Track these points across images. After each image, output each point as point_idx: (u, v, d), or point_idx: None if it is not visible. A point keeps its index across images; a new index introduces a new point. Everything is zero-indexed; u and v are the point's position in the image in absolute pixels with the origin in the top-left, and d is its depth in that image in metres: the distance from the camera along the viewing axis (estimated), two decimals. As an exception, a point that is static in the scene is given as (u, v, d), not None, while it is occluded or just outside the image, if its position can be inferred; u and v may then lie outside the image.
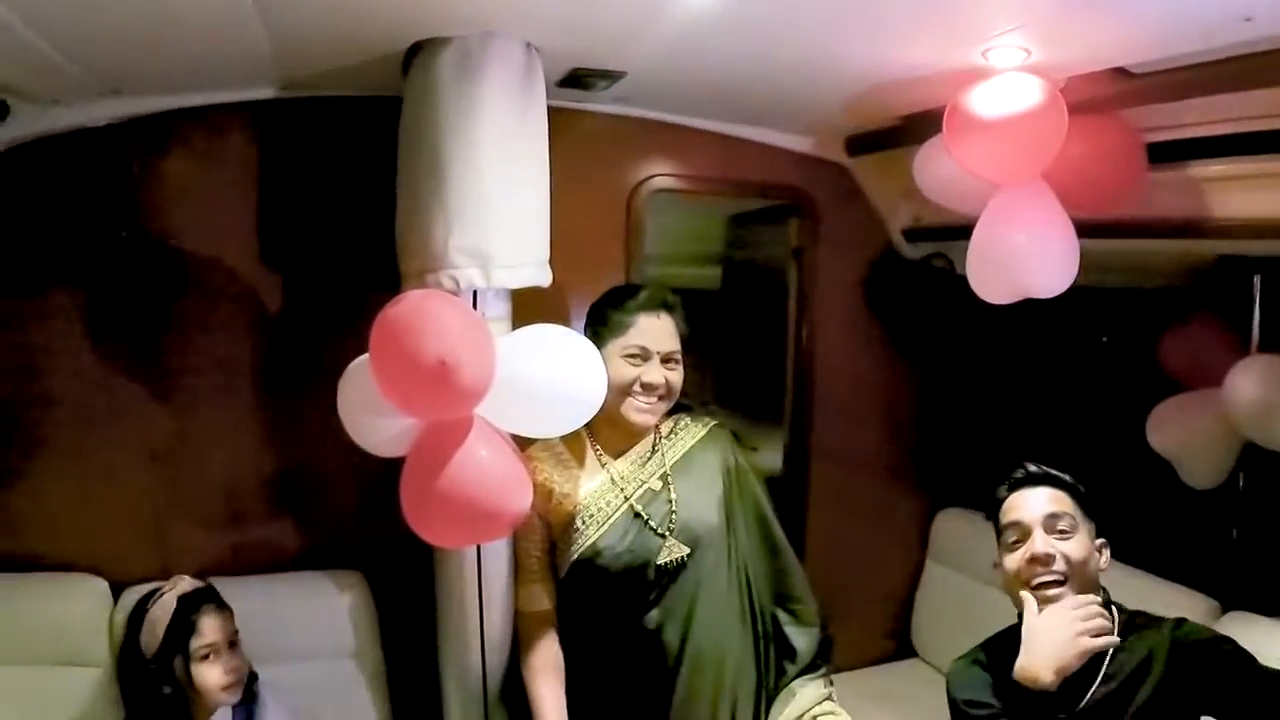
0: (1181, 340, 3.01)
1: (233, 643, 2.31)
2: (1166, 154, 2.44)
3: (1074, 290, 2.48)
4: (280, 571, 2.73)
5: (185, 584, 2.34)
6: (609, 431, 2.37)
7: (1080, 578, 1.99)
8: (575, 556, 2.30)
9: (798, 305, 3.48)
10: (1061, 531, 2.01)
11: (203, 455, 2.71)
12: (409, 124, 2.33)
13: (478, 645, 2.41)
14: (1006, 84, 2.21)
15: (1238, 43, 1.91)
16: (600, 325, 2.37)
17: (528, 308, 2.39)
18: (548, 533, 2.37)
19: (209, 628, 2.26)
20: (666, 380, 2.32)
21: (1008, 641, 2.02)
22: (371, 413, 2.09)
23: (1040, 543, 2.00)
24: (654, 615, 2.28)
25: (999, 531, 2.12)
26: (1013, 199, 2.42)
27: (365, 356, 2.02)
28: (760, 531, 2.47)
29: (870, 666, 3.64)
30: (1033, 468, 2.13)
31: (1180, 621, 2.01)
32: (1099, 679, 1.92)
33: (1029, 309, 2.60)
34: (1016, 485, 2.12)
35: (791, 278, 3.49)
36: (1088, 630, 1.86)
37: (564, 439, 2.38)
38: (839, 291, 3.51)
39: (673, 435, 2.47)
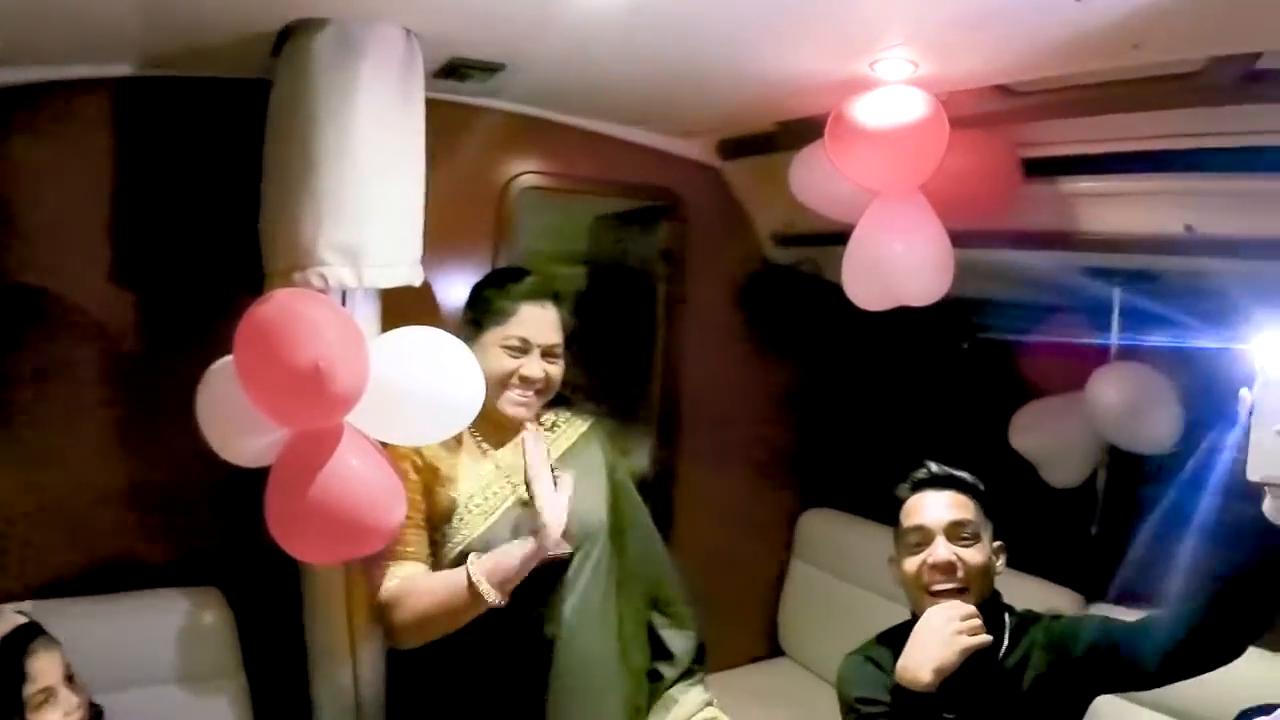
0: (1044, 347, 3.13)
1: (69, 677, 2.02)
2: (1041, 169, 2.51)
3: (940, 298, 2.53)
4: (132, 590, 2.52)
5: (5, 622, 2.03)
6: (484, 422, 2.20)
7: (980, 584, 2.01)
8: (459, 549, 2.12)
9: (666, 307, 3.46)
10: (964, 539, 2.02)
11: (48, 467, 2.48)
12: (278, 110, 2.20)
13: (350, 663, 2.30)
14: (891, 95, 2.23)
15: (1122, 67, 1.98)
16: (480, 311, 2.23)
17: (395, 308, 2.28)
18: (429, 514, 2.17)
19: (41, 670, 1.96)
20: (546, 374, 2.20)
21: (900, 638, 2.02)
22: (234, 420, 1.96)
23: (943, 550, 2.00)
24: (535, 614, 2.16)
25: (899, 531, 2.12)
26: (890, 208, 2.44)
27: (226, 360, 1.90)
28: (637, 532, 2.42)
29: (740, 666, 3.65)
30: (936, 468, 2.13)
31: (1054, 617, 2.08)
32: (987, 676, 1.95)
33: (895, 316, 2.64)
34: (920, 486, 2.12)
35: (660, 280, 3.47)
36: (964, 630, 1.87)
37: None
38: (708, 294, 3.50)
39: (555, 429, 2.37)
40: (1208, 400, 2.76)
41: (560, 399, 2.36)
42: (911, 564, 2.04)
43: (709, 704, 2.36)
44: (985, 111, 2.34)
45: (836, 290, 2.61)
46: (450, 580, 2.02)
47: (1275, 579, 1.63)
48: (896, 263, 2.45)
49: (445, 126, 2.59)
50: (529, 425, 2.26)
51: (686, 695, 2.35)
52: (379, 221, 2.13)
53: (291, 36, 2.13)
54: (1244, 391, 1.50)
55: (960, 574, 1.98)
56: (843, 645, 3.39)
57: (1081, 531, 3.12)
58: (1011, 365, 3.22)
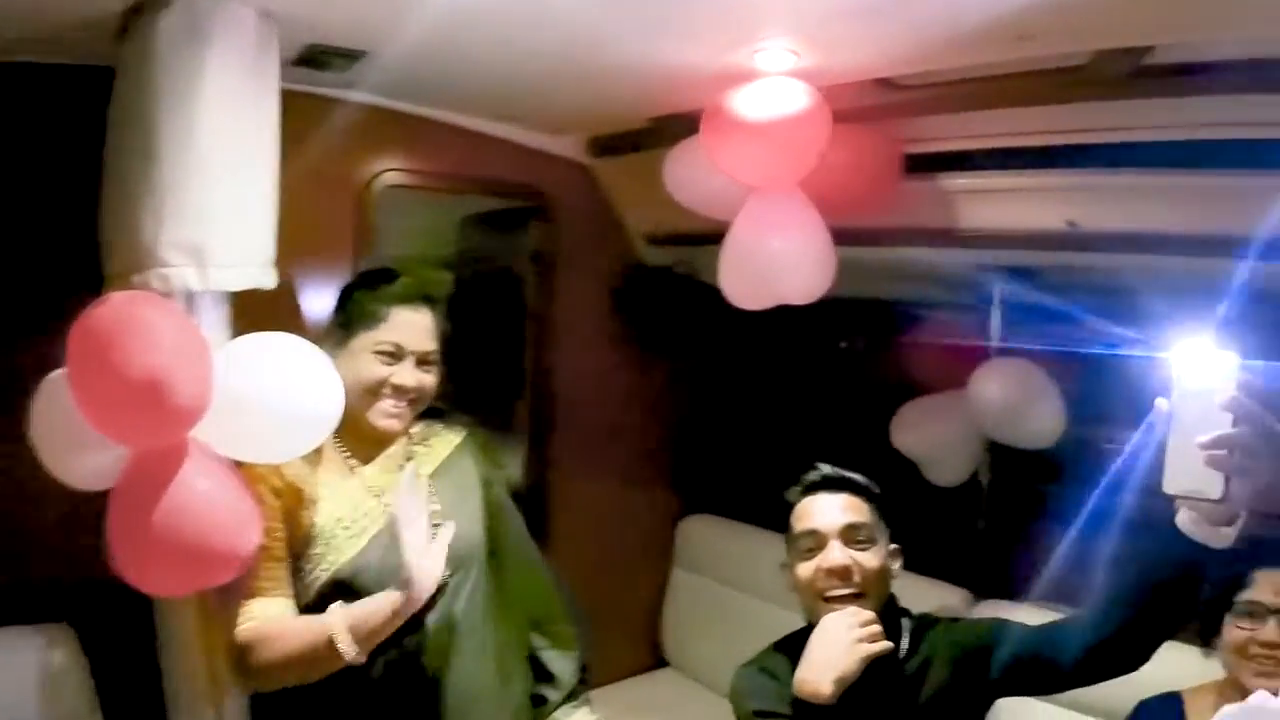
0: (923, 345, 3.12)
1: None
2: (922, 165, 2.48)
3: (817, 301, 2.48)
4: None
5: None
6: (351, 435, 2.04)
7: (877, 589, 1.92)
8: (327, 576, 1.93)
9: (536, 311, 3.34)
10: (859, 542, 1.93)
11: None
12: (121, 98, 2.00)
13: (212, 708, 2.12)
14: (771, 87, 2.15)
15: (1006, 61, 1.95)
16: (349, 314, 2.05)
17: (246, 314, 2.07)
18: (290, 541, 1.97)
19: None
20: (420, 383, 2.03)
21: (795, 646, 1.93)
22: (70, 438, 1.76)
23: (838, 554, 1.90)
24: (411, 644, 1.98)
25: (792, 536, 2.02)
26: (768, 204, 2.37)
27: (61, 371, 1.70)
28: (515, 550, 2.26)
29: (624, 680, 3.57)
30: (828, 470, 2.03)
31: (953, 620, 2.03)
32: (887, 683, 1.87)
33: (772, 316, 2.58)
34: (811, 489, 2.02)
35: (529, 283, 3.35)
36: (864, 636, 1.79)
37: None
38: (580, 297, 3.39)
39: (426, 442, 2.19)
40: (1089, 395, 2.79)
41: (432, 410, 2.18)
42: (805, 569, 1.94)
43: None
44: (867, 105, 2.31)
45: (713, 291, 2.55)
46: (310, 629, 1.85)
47: (1190, 587, 1.60)
48: (776, 260, 2.38)
49: (302, 119, 2.40)
50: (401, 443, 2.11)
51: (572, 718, 2.22)
52: (226, 219, 1.95)
53: (135, 18, 1.94)
54: (1161, 402, 1.46)
55: (856, 578, 1.89)
56: (729, 653, 3.34)
57: (967, 529, 3.10)
58: (891, 364, 3.19)
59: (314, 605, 1.92)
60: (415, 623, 1.94)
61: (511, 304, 3.40)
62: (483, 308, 3.53)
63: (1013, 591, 2.76)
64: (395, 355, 2.00)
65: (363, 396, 1.96)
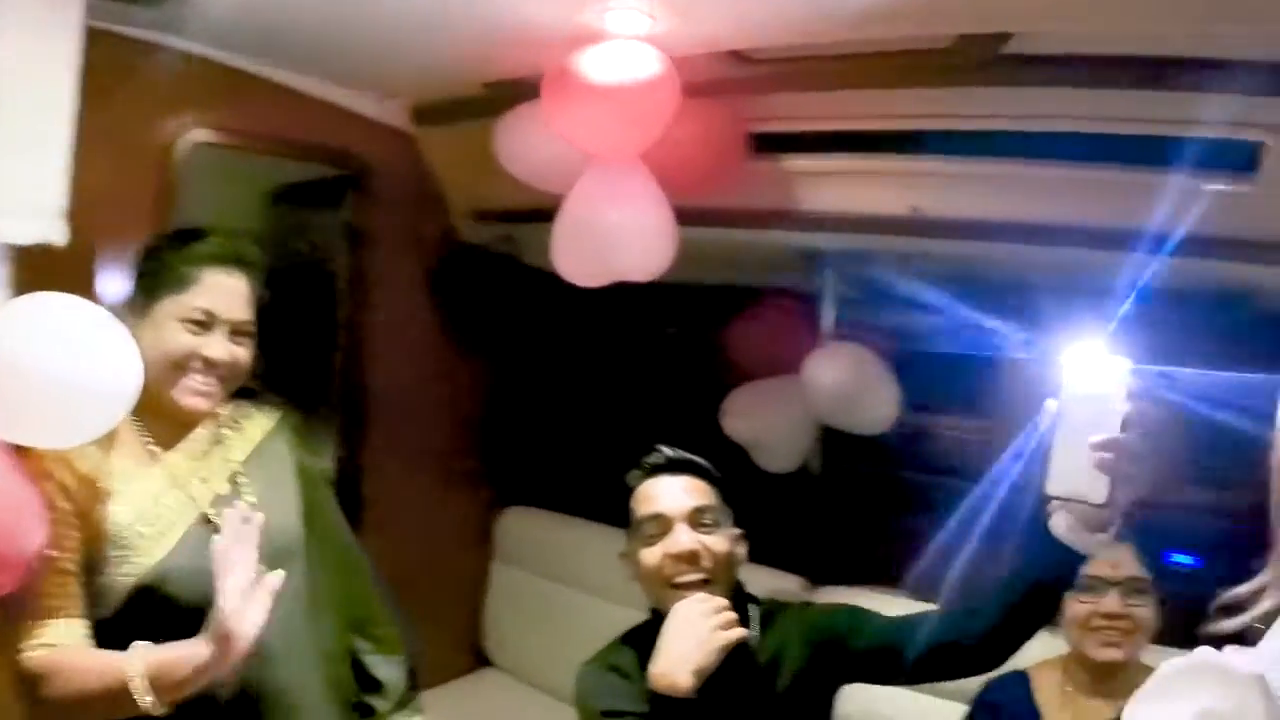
0: (755, 331, 3.06)
1: None
2: (767, 145, 2.43)
3: (643, 284, 2.40)
4: None
5: None
6: (152, 416, 1.77)
7: (724, 574, 1.84)
8: (130, 582, 1.67)
9: (350, 290, 3.10)
10: (706, 525, 1.84)
11: None
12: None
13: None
14: (620, 50, 2.04)
15: (866, 40, 1.92)
16: (154, 276, 1.78)
17: (33, 277, 1.80)
18: (86, 546, 1.69)
19: None
20: (233, 357, 1.78)
21: (643, 639, 1.85)
22: None
23: (685, 538, 1.81)
24: None
25: (635, 521, 1.92)
26: (608, 175, 2.27)
27: None
28: (335, 543, 2.04)
29: (445, 684, 3.37)
30: (670, 452, 1.94)
31: (805, 605, 1.99)
32: (740, 672, 1.79)
33: (597, 302, 2.52)
34: (654, 471, 1.93)
35: (343, 259, 3.11)
36: (719, 624, 1.70)
37: None
38: (397, 277, 3.19)
39: (237, 424, 1.94)
40: (924, 382, 2.79)
41: (243, 390, 1.92)
42: (650, 556, 1.84)
43: None
44: (716, 79, 2.23)
45: (537, 274, 2.40)
46: (107, 669, 1.58)
47: (1057, 592, 1.60)
48: (613, 233, 2.27)
49: (105, 62, 2.09)
50: (209, 425, 1.86)
51: None
52: (9, 163, 1.71)
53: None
54: (1050, 403, 1.45)
55: (705, 563, 1.81)
56: (554, 651, 3.26)
57: (801, 515, 3.06)
58: (722, 351, 3.12)
59: (117, 617, 1.67)
60: None
61: (324, 283, 3.15)
62: (294, 286, 3.28)
63: (849, 577, 2.75)
64: (205, 324, 1.74)
65: (167, 371, 1.71)
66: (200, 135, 2.56)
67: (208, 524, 1.74)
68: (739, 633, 1.70)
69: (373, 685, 2.03)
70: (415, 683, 2.10)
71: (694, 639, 1.67)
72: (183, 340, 1.72)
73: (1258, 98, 1.88)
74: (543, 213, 2.39)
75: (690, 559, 1.79)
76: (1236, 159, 2.09)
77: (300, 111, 2.80)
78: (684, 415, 3.10)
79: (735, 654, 1.73)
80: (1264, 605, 0.97)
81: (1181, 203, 2.18)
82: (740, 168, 2.40)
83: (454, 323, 3.34)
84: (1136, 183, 2.16)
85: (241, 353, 1.80)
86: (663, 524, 1.84)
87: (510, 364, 3.56)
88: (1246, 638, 0.97)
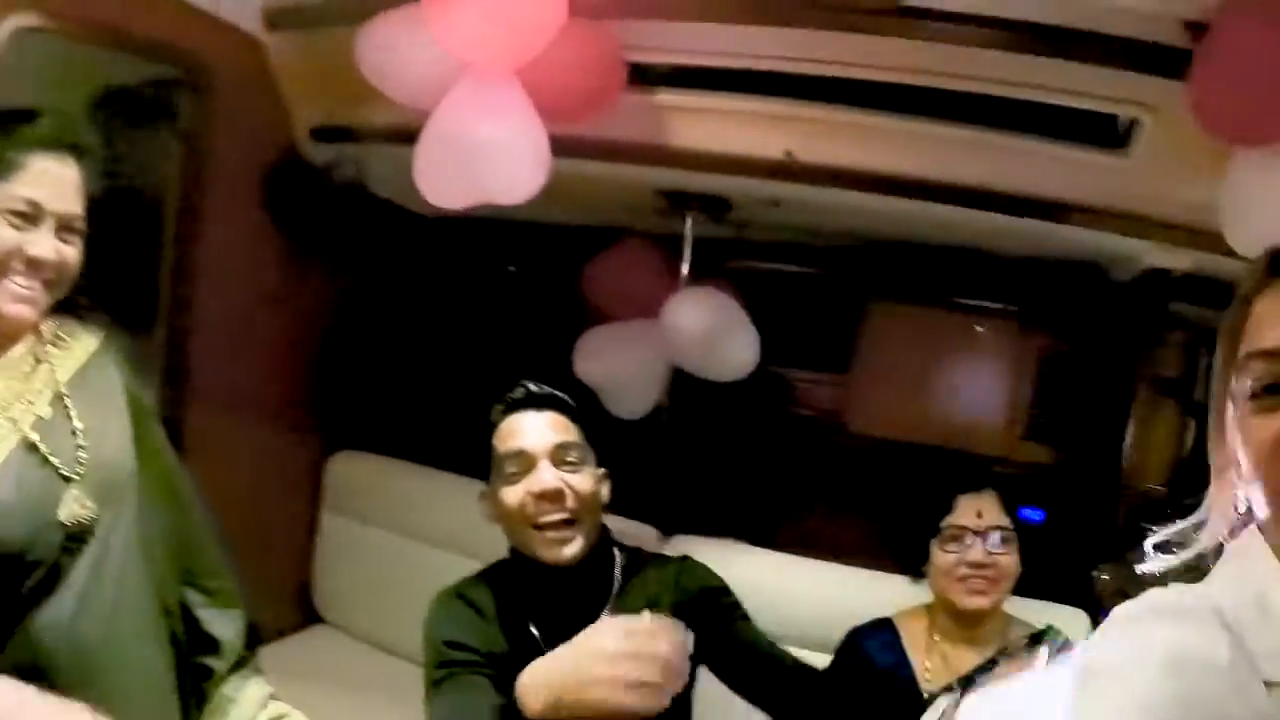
0: (610, 272, 3.00)
1: None
2: (643, 77, 2.40)
3: (485, 221, 2.41)
4: None
5: None
6: None
7: (589, 515, 1.78)
8: None
9: (180, 208, 2.83)
10: (570, 464, 1.77)
11: None
12: None
13: None
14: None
15: None
16: None
17: None
18: None
19: None
20: (61, 257, 1.54)
21: (502, 577, 1.82)
22: None
23: (548, 475, 1.73)
24: (61, 604, 1.53)
25: (496, 458, 1.82)
26: (483, 89, 2.15)
27: None
28: (166, 482, 1.80)
29: (272, 643, 3.06)
30: (534, 387, 1.87)
31: (683, 561, 1.91)
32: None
33: (438, 235, 2.39)
34: (516, 406, 1.84)
35: (173, 173, 2.82)
36: (630, 680, 1.47)
37: None
38: (234, 197, 2.92)
39: (60, 342, 1.69)
40: (781, 331, 2.78)
41: (66, 303, 1.67)
42: (512, 495, 1.76)
43: (272, 698, 1.86)
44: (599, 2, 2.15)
45: (382, 204, 2.24)
46: None
47: None
48: (485, 150, 2.16)
49: None
50: (29, 342, 1.60)
51: (243, 692, 1.80)
52: None
53: None
54: None
55: (570, 503, 1.74)
56: (388, 604, 3.11)
57: (652, 463, 2.99)
58: (574, 291, 3.06)
59: None
60: (56, 575, 1.52)
61: (150, 202, 2.86)
62: (115, 203, 2.99)
63: (700, 528, 2.71)
64: (30, 218, 1.50)
65: None
66: (26, 20, 2.28)
67: (32, 451, 1.52)
68: (645, 705, 1.49)
69: (207, 644, 1.81)
70: (254, 641, 1.89)
71: (592, 676, 1.50)
72: (4, 236, 1.50)
73: (1140, 75, 1.94)
74: (397, 134, 2.30)
75: (554, 498, 1.73)
76: (1112, 133, 2.19)
77: (141, 2, 2.55)
78: (531, 357, 3.01)
79: (589, 603, 1.74)
80: (1203, 542, 0.96)
81: (1052, 170, 2.26)
82: (616, 98, 2.32)
83: (291, 251, 3.12)
84: (1011, 146, 2.22)
85: (71, 252, 1.57)
86: (525, 461, 1.76)
87: (348, 300, 3.37)
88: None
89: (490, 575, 1.87)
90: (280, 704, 1.85)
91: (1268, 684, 0.81)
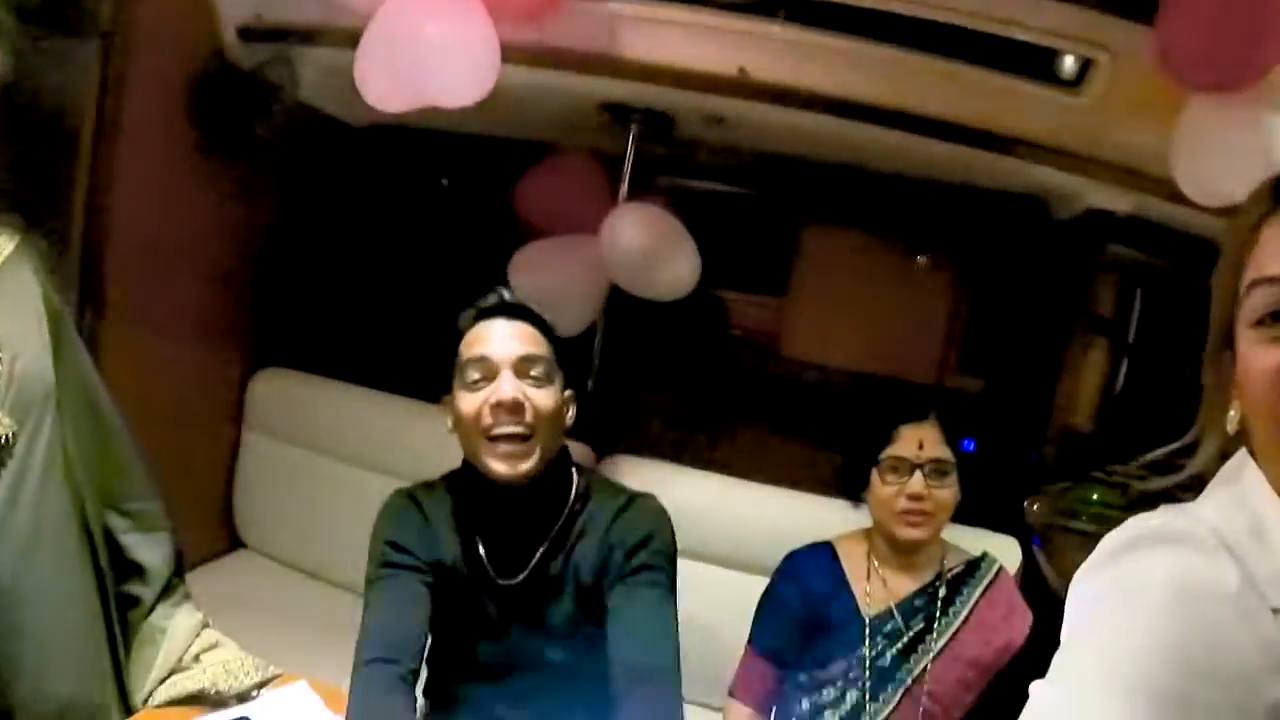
0: (546, 186, 2.94)
1: None
2: None
3: (418, 132, 2.40)
4: None
5: None
6: None
7: (548, 433, 1.71)
8: None
9: (98, 115, 2.60)
10: (534, 378, 1.71)
11: None
12: None
13: None
14: None
15: None
16: None
17: None
18: None
19: None
20: None
21: (459, 485, 1.78)
22: None
23: (508, 387, 1.67)
24: None
25: (459, 364, 1.75)
26: None
27: None
28: (86, 397, 1.70)
29: (194, 569, 2.95)
30: (506, 295, 1.78)
31: (633, 497, 1.81)
32: (544, 546, 1.71)
33: (370, 147, 2.28)
34: (487, 314, 1.75)
35: (88, 77, 2.58)
36: None
37: None
38: (153, 103, 2.72)
39: None
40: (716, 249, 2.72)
41: None
42: (470, 403, 1.69)
43: (205, 625, 1.80)
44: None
45: (309, 112, 2.14)
46: None
47: None
48: (433, 49, 2.06)
49: None
50: None
51: (173, 621, 1.76)
52: None
53: None
54: None
55: (528, 417, 1.67)
56: (313, 527, 3.03)
57: (582, 382, 2.95)
58: (508, 205, 2.99)
59: None
60: None
61: (64, 103, 2.59)
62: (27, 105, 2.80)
63: (635, 448, 2.68)
64: None
65: None
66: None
67: None
68: None
69: (132, 570, 1.75)
70: (181, 566, 1.84)
71: None
72: None
73: (1103, 15, 1.95)
74: (331, 34, 2.22)
75: (512, 408, 1.65)
76: (1066, 71, 2.19)
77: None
78: (465, 272, 2.94)
79: (546, 524, 1.72)
80: (1197, 463, 0.95)
81: (1003, 103, 2.25)
82: (567, 2, 2.23)
83: (216, 161, 2.93)
84: (965, 76, 2.21)
85: None
86: (488, 369, 1.69)
87: (274, 211, 3.22)
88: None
89: (445, 482, 1.83)
90: (212, 632, 1.80)
91: (1275, 610, 0.80)
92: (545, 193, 2.91)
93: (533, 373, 1.70)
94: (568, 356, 1.86)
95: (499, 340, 1.71)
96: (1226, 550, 0.83)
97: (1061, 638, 0.89)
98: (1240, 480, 0.88)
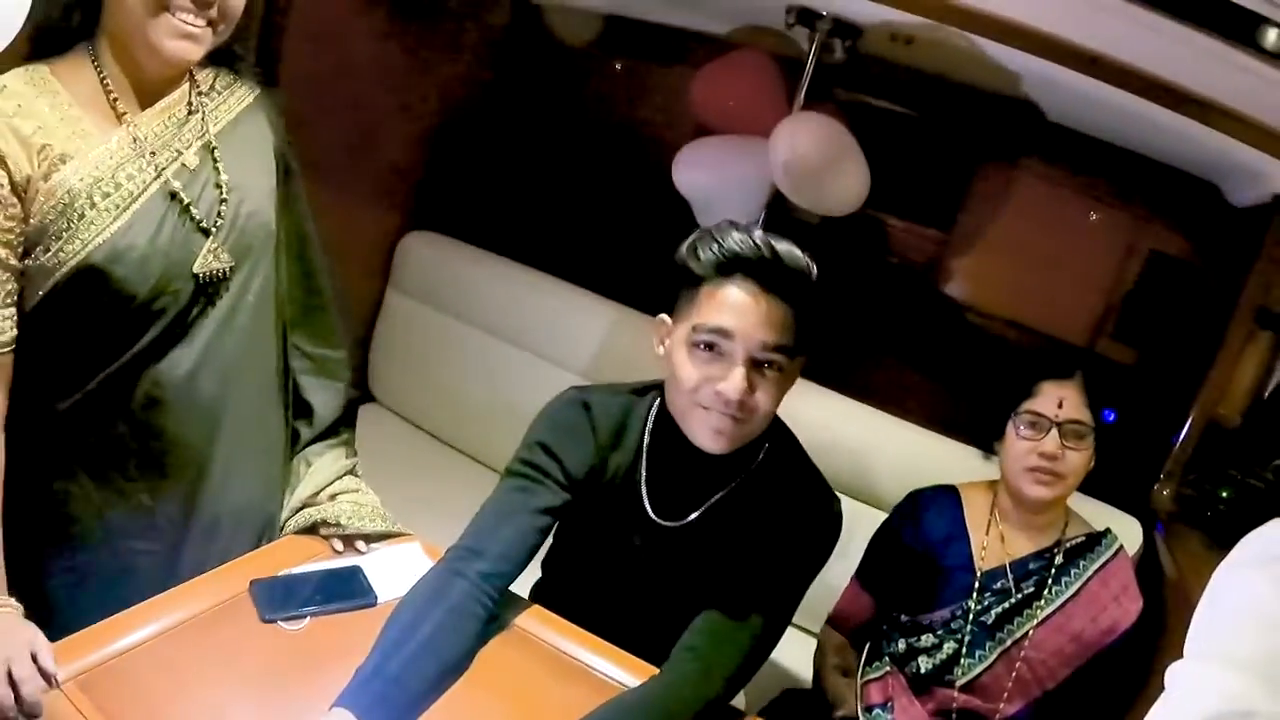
0: (721, 82, 2.84)
1: None
2: None
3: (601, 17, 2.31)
4: None
5: None
6: (124, 70, 1.45)
7: (759, 423, 1.54)
8: (75, 262, 1.40)
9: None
10: (763, 373, 1.50)
11: None
12: None
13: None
14: None
15: None
16: None
17: None
18: (20, 220, 1.39)
19: None
20: None
21: (643, 413, 1.66)
22: None
23: (739, 381, 1.47)
24: (182, 356, 1.53)
25: (687, 306, 1.53)
26: None
27: None
28: (299, 249, 1.77)
29: None
30: (768, 252, 1.47)
31: (816, 496, 1.65)
32: (715, 497, 1.63)
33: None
34: (741, 270, 1.49)
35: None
36: None
37: (53, 65, 1.44)
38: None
39: (215, 92, 1.61)
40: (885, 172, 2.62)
41: (225, 54, 1.60)
42: (690, 370, 1.51)
43: (349, 472, 1.85)
44: None
45: None
46: None
47: None
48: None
49: None
50: (185, 89, 1.54)
51: (322, 459, 1.82)
52: None
53: None
54: None
55: (742, 413, 1.49)
56: (439, 388, 3.07)
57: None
58: (681, 99, 2.93)
59: (51, 301, 1.43)
60: (180, 326, 1.53)
61: None
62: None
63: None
64: None
65: (144, 7, 1.38)
66: None
67: (173, 200, 1.48)
68: None
69: (303, 408, 1.83)
70: (352, 417, 1.91)
71: None
72: None
73: None
74: None
75: (735, 406, 1.49)
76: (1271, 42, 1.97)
77: None
78: (627, 161, 2.90)
79: (714, 482, 1.62)
80: None
81: (1207, 67, 2.08)
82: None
83: (395, 23, 2.94)
84: (1182, 36, 2.01)
85: None
86: (724, 347, 1.49)
87: (451, 82, 3.24)
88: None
89: (628, 399, 1.70)
90: (357, 480, 1.86)
91: None
92: (721, 89, 2.83)
93: (766, 369, 1.50)
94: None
95: (746, 315, 1.48)
96: None
97: (1199, 622, 0.90)
98: None
